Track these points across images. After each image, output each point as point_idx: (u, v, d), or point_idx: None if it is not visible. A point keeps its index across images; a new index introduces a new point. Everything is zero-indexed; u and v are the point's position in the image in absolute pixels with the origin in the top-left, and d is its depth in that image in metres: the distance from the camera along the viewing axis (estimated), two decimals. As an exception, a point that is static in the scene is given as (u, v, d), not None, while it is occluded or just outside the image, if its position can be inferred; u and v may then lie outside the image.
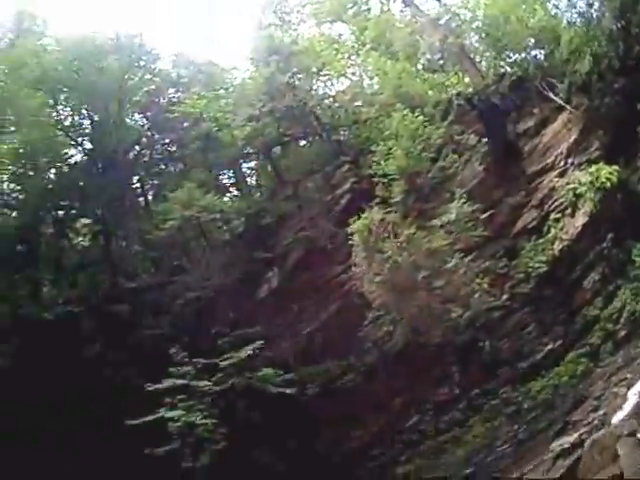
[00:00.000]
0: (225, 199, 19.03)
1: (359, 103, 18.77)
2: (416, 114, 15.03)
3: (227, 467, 16.47)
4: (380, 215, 14.35)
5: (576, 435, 11.67)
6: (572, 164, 14.80)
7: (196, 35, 33.87)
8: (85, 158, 21.94)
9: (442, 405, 15.02)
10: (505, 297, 14.64)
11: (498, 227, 15.21)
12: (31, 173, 21.62)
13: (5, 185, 22.40)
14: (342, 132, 19.33)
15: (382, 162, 15.09)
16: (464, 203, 14.06)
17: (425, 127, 14.97)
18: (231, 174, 21.50)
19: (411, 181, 14.97)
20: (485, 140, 15.33)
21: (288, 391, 14.99)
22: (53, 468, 16.29)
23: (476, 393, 14.68)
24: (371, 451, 15.42)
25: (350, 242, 14.78)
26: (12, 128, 23.28)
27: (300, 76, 18.25)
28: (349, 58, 21.24)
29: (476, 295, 14.07)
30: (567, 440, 11.72)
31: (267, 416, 15.40)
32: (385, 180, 15.16)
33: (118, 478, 17.16)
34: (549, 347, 14.40)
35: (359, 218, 14.45)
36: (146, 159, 21.93)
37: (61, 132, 22.24)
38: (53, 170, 21.81)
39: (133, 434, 15.03)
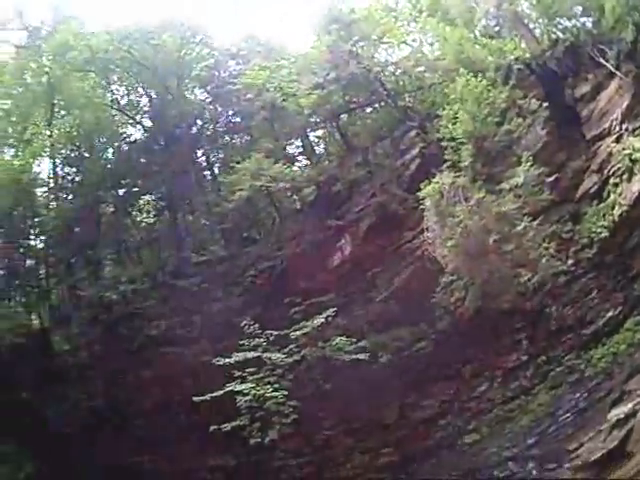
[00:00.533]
0: (294, 168, 21.47)
1: (422, 69, 21.00)
2: (479, 79, 16.83)
3: (295, 442, 19.00)
4: (450, 179, 16.15)
5: (630, 405, 13.00)
6: (626, 130, 16.33)
7: (252, 8, 36.60)
8: (145, 135, 24.94)
9: (510, 372, 16.79)
10: (570, 262, 16.27)
11: (562, 191, 17.01)
12: (87, 155, 24.77)
13: (59, 169, 25.63)
14: (407, 98, 21.55)
15: (449, 126, 17.05)
16: (531, 166, 15.73)
17: (489, 91, 16.78)
18: (299, 143, 24.04)
19: (478, 145, 16.78)
20: (546, 104, 17.01)
21: (361, 356, 16.91)
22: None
23: (542, 360, 16.38)
24: (440, 420, 17.41)
25: (421, 207, 16.67)
26: (62, 112, 26.64)
27: (362, 44, 20.49)
28: (408, 25, 23.45)
29: (544, 260, 15.49)
30: (622, 410, 13.05)
31: (337, 387, 17.60)
32: (453, 144, 17.18)
33: (184, 455, 20.12)
34: (610, 314, 15.96)
35: (429, 183, 16.22)
36: (210, 132, 24.79)
37: (117, 111, 25.37)
38: (111, 150, 24.91)
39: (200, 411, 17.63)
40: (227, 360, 16.85)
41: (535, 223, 15.62)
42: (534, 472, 14.77)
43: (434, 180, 16.25)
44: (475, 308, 16.27)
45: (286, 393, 16.41)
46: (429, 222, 16.39)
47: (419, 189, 16.51)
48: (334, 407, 18.40)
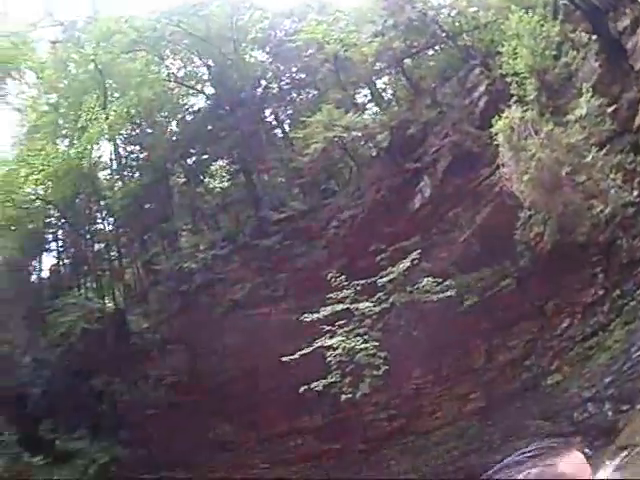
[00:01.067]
0: (365, 116, 24.43)
1: (475, 9, 23.58)
2: (530, 14, 18.90)
3: (385, 394, 21.71)
4: (519, 113, 18.32)
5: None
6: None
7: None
8: (209, 103, 28.49)
9: (589, 308, 19.00)
10: (636, 193, 17.82)
11: (622, 121, 18.63)
12: (149, 131, 28.37)
13: (121, 150, 29.41)
14: (466, 37, 24.35)
15: (510, 61, 19.25)
16: (591, 97, 17.59)
17: (542, 26, 18.84)
18: (366, 92, 27.17)
19: (540, 78, 18.85)
20: (595, 37, 19.09)
21: (448, 293, 19.16)
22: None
23: (617, 294, 18.23)
24: (524, 361, 19.84)
25: (495, 143, 18.82)
26: (116, 95, 30.37)
27: (415, -12, 23.51)
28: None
29: (612, 191, 17.16)
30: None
31: (426, 333, 20.16)
32: (517, 79, 19.46)
33: (271, 420, 23.22)
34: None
35: (499, 118, 18.28)
36: (275, 91, 28.17)
37: (176, 84, 28.94)
38: (174, 122, 28.49)
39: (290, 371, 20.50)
40: (315, 315, 19.37)
41: (601, 154, 17.35)
42: (610, 414, 16.58)
43: (504, 115, 18.31)
44: (553, 242, 18.34)
45: (376, 344, 18.80)
46: (504, 157, 18.48)
47: (490, 125, 18.71)
48: (423, 355, 21.00)
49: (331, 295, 19.73)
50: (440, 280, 19.54)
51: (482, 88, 21.89)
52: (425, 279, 19.58)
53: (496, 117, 18.44)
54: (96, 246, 28.95)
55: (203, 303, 24.35)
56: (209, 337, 24.12)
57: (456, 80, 23.03)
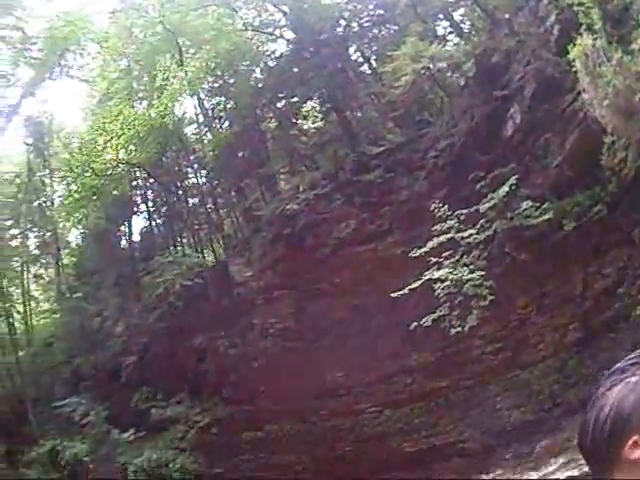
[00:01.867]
0: (448, 47, 29.29)
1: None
2: None
3: (491, 326, 26.25)
4: (590, 41, 21.13)
5: None
6: None
7: None
8: (290, 47, 33.98)
9: None
10: None
11: None
12: (232, 80, 33.90)
13: (206, 102, 35.10)
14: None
15: None
16: None
17: None
18: (445, 24, 32.24)
19: (602, 8, 21.25)
20: None
21: (546, 217, 22.70)
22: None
23: None
24: (616, 290, 23.36)
25: (573, 69, 21.81)
26: (192, 51, 36.12)
27: None
28: None
29: None
30: None
31: (528, 261, 24.16)
32: (582, 8, 22.13)
33: (380, 360, 28.16)
34: None
35: (574, 46, 21.21)
36: (356, 29, 33.43)
37: (253, 32, 34.48)
38: (257, 69, 33.97)
39: (398, 307, 25.35)
40: (422, 250, 23.55)
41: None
42: None
43: (577, 43, 21.28)
44: (636, 168, 21.44)
45: (482, 273, 22.79)
46: (583, 84, 21.65)
47: (567, 52, 21.88)
48: (526, 284, 25.56)
49: (436, 227, 23.87)
50: (538, 204, 23.42)
51: (553, 17, 25.36)
52: (524, 203, 23.44)
53: (571, 45, 21.42)
54: (190, 201, 34.83)
55: (308, 244, 29.45)
56: (316, 279, 29.54)
57: (528, 10, 27.26)
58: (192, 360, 32.69)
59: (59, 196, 45.68)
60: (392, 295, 24.08)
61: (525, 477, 22.12)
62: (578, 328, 24.82)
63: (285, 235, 30.23)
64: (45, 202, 43.44)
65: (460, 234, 23.49)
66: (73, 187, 41.57)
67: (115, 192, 38.29)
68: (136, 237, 41.28)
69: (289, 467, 30.88)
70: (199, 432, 31.60)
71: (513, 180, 23.82)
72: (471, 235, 23.42)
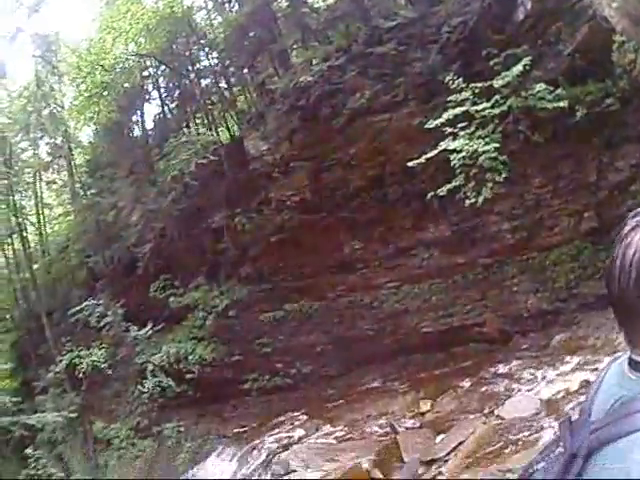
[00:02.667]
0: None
1: None
2: None
3: (507, 202, 28.30)
4: None
5: None
6: None
7: None
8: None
9: None
10: None
11: None
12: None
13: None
14: None
15: None
16: None
17: None
18: None
19: None
20: None
21: (561, 104, 23.26)
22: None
23: None
24: (629, 187, 24.42)
25: None
26: None
27: None
28: None
29: None
30: None
31: (543, 141, 24.99)
32: None
33: (398, 233, 30.39)
34: None
35: None
36: None
37: None
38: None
39: (414, 178, 27.54)
40: (437, 121, 24.24)
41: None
42: None
43: None
44: None
45: (498, 146, 23.32)
46: None
47: None
48: (542, 164, 26.42)
49: (451, 98, 24.45)
50: (552, 88, 23.69)
51: None
52: (537, 85, 23.79)
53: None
54: (202, 83, 37.18)
55: (323, 115, 30.80)
56: (331, 150, 31.09)
57: None
58: (209, 240, 34.71)
59: (69, 99, 48.56)
60: (408, 165, 25.18)
61: (542, 373, 23.05)
62: (593, 218, 25.82)
63: (300, 107, 31.60)
64: (55, 107, 46.11)
65: (475, 107, 24.02)
66: (83, 87, 43.49)
67: (126, 84, 40.58)
68: (149, 125, 44.18)
69: (309, 349, 33.16)
70: (217, 317, 33.77)
71: (527, 61, 24.08)
72: (486, 109, 23.88)
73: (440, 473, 18.08)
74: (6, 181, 44.52)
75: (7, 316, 50.20)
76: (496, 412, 21.10)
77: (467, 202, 24.13)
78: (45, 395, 37.90)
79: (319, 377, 33.17)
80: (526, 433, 18.19)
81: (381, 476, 20.10)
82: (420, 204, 28.09)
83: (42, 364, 40.19)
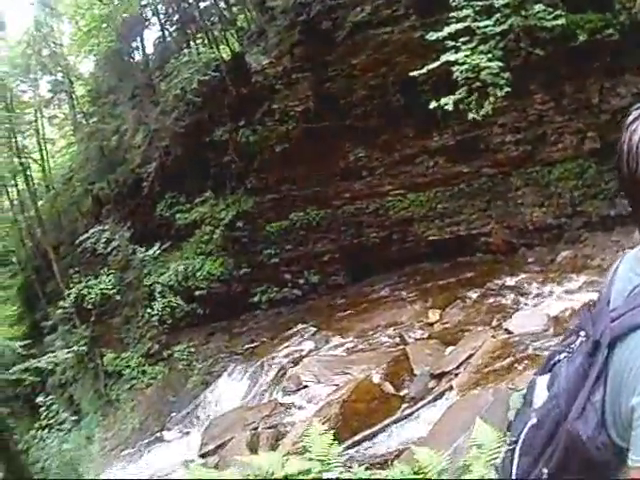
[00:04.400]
0: None
1: None
2: None
3: (510, 116, 27.83)
4: None
5: None
6: None
7: None
8: None
9: None
10: None
11: None
12: None
13: None
14: None
15: None
16: None
17: None
18: None
19: None
20: None
21: (560, 22, 22.06)
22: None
23: None
24: None
25: None
26: None
27: None
28: None
29: None
30: None
31: (543, 57, 24.38)
32: None
33: (402, 141, 29.81)
34: None
35: None
36: None
37: None
38: None
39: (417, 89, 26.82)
40: (439, 34, 23.33)
41: None
42: None
43: None
44: None
45: (500, 64, 22.40)
46: None
47: None
48: (544, 81, 25.94)
49: (453, 14, 23.22)
50: (551, 10, 22.82)
51: None
52: (537, 5, 22.85)
53: None
54: (202, 5, 36.29)
55: (324, 29, 30.02)
56: (333, 61, 30.31)
57: None
58: (213, 155, 33.93)
59: (68, 37, 47.82)
60: (410, 75, 24.19)
61: (549, 289, 22.75)
62: (596, 138, 25.40)
63: (301, 21, 30.86)
64: (55, 47, 45.19)
65: (476, 23, 23.13)
66: (82, 22, 43.12)
67: (125, 15, 39.62)
68: (150, 50, 42.32)
69: (316, 258, 32.84)
70: (224, 230, 33.14)
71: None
72: (487, 26, 23.04)
73: (451, 387, 17.30)
74: (8, 125, 43.83)
75: (14, 259, 49.82)
76: (504, 325, 20.68)
77: (470, 115, 23.35)
78: (55, 334, 37.17)
79: (327, 287, 32.83)
80: (535, 350, 17.71)
81: (392, 390, 19.47)
82: (423, 114, 26.97)
83: (50, 302, 39.56)
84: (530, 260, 26.65)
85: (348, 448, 15.71)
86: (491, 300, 23.94)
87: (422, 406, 17.36)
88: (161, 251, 34.53)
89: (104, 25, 40.26)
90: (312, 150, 31.05)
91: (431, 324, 24.01)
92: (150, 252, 34.44)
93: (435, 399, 17.41)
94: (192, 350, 32.57)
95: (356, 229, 32.15)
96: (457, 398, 16.50)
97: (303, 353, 25.96)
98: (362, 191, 31.74)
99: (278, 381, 24.11)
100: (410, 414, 17.34)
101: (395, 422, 17.25)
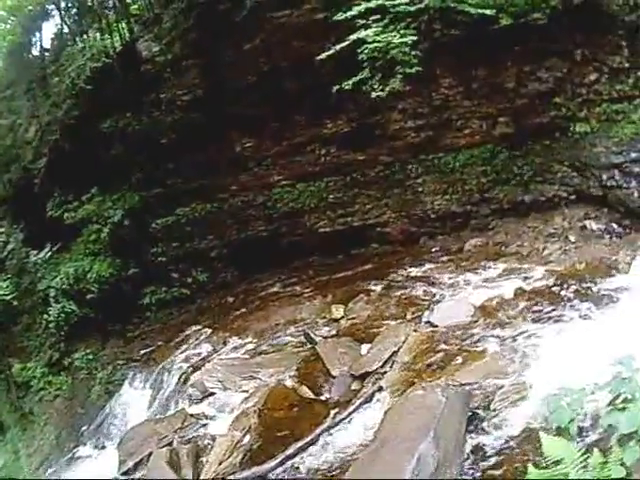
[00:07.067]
0: None
1: None
2: None
3: (413, 100, 25.78)
4: None
5: None
6: None
7: None
8: None
9: (614, 73, 22.49)
10: None
11: None
12: None
13: None
14: None
15: None
16: None
17: None
18: None
19: None
20: None
21: (487, 12, 21.48)
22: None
23: None
24: (554, 98, 23.58)
25: None
26: None
27: None
28: None
29: None
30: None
31: (457, 39, 23.04)
32: None
33: (294, 128, 27.75)
34: None
35: None
36: None
37: None
38: None
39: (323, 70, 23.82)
40: (348, 13, 21.30)
41: None
42: (636, 194, 20.92)
43: None
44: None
45: (415, 39, 21.03)
46: None
47: None
48: (455, 65, 24.13)
49: None
50: None
51: None
52: None
53: None
54: (99, -2, 34.07)
55: (222, 10, 27.19)
56: (225, 46, 27.58)
57: None
58: (101, 147, 30.95)
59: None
60: (314, 59, 22.53)
61: (464, 278, 21.04)
62: (509, 123, 23.81)
63: (198, 3, 27.87)
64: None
65: (390, 2, 21.30)
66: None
67: (30, 7, 37.85)
68: (48, 43, 40.41)
69: (203, 255, 30.19)
70: (111, 229, 30.51)
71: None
72: (401, 4, 21.29)
73: (380, 388, 14.94)
74: None
75: None
76: (425, 318, 18.72)
77: (373, 94, 21.41)
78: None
79: (216, 285, 30.41)
80: (467, 342, 16.12)
81: (311, 394, 16.78)
82: (316, 100, 24.91)
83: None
84: (434, 250, 25.01)
85: (281, 464, 14.20)
86: (398, 293, 21.75)
87: (353, 410, 15.03)
88: (52, 253, 31.16)
89: (11, 18, 38.21)
90: (198, 141, 28.13)
91: (336, 320, 21.42)
92: (41, 255, 31.31)
93: (366, 401, 15.23)
94: (90, 357, 29.19)
95: (243, 223, 29.21)
96: (390, 399, 14.55)
97: (202, 356, 23.63)
98: (249, 183, 28.60)
99: (181, 388, 21.71)
100: (342, 420, 14.90)
101: (327, 430, 14.74)
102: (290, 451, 14.41)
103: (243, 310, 26.89)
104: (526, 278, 19.38)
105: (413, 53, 20.81)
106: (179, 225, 30.73)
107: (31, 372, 31.08)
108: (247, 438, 16.10)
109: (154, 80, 29.79)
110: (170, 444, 18.32)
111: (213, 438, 17.35)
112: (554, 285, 18.53)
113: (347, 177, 27.67)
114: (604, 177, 22.03)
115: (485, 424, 12.38)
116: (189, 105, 28.99)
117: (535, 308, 17.17)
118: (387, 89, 21.02)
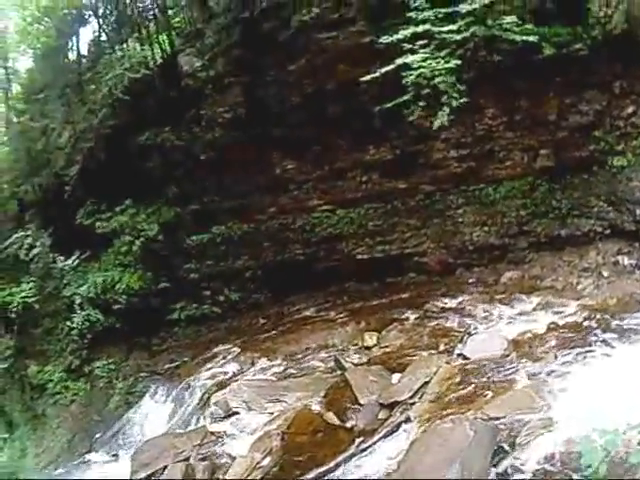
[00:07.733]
0: None
1: None
2: None
3: (456, 130, 25.51)
4: None
5: None
6: None
7: None
8: None
9: None
10: None
11: None
12: None
13: None
14: None
15: None
16: None
17: None
18: None
19: None
20: None
21: (531, 38, 21.24)
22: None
23: None
24: (593, 132, 23.63)
25: None
26: None
27: None
28: None
29: None
30: None
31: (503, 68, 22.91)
32: None
33: (336, 153, 27.71)
34: None
35: None
36: None
37: None
38: None
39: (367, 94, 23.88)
40: (394, 37, 21.26)
41: None
42: None
43: None
44: (622, 28, 21.47)
45: (459, 62, 21.00)
46: None
47: None
48: (498, 95, 24.07)
49: (411, 14, 21.46)
50: (520, 22, 21.62)
51: None
52: (508, 17, 21.55)
53: None
54: (140, 5, 33.68)
55: (267, 28, 27.10)
56: (270, 65, 27.51)
57: None
58: (137, 159, 30.66)
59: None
60: (358, 81, 22.49)
61: (498, 311, 21.17)
62: (550, 156, 23.96)
63: (243, 19, 27.86)
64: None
65: (437, 28, 21.25)
66: (27, 12, 39.87)
67: (65, 11, 36.43)
68: (84, 48, 38.82)
69: (237, 274, 30.05)
70: (144, 242, 30.32)
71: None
72: (449, 31, 21.25)
73: (408, 418, 15.04)
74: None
75: None
76: (458, 350, 18.65)
77: (410, 118, 21.96)
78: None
79: (248, 305, 30.22)
80: (498, 375, 15.96)
81: (337, 420, 16.76)
82: (361, 124, 25.17)
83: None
84: (470, 281, 24.96)
85: (302, 490, 12.83)
86: (433, 323, 21.82)
87: (378, 439, 14.84)
88: (80, 261, 31.28)
89: (46, 19, 37.88)
90: (238, 160, 28.12)
91: (368, 347, 21.51)
92: (69, 261, 31.18)
93: (392, 431, 14.99)
94: (112, 367, 29.39)
95: (280, 245, 29.13)
96: (417, 430, 14.32)
97: (228, 375, 23.37)
98: (288, 205, 28.97)
99: (204, 405, 21.49)
100: (365, 448, 14.72)
101: (349, 458, 14.55)
102: (310, 476, 14.50)
103: (274, 332, 26.75)
104: (559, 313, 19.48)
105: (457, 85, 20.92)
106: (214, 243, 30.66)
107: (48, 375, 30.80)
108: (267, 460, 16.05)
109: (195, 95, 29.75)
110: (187, 459, 18.32)
111: (231, 457, 17.30)
112: (585, 319, 18.74)
113: (388, 205, 27.55)
114: (637, 212, 22.21)
115: (510, 460, 12.42)
116: (230, 123, 28.92)
117: (567, 344, 17.09)
118: (436, 124, 21.05)
